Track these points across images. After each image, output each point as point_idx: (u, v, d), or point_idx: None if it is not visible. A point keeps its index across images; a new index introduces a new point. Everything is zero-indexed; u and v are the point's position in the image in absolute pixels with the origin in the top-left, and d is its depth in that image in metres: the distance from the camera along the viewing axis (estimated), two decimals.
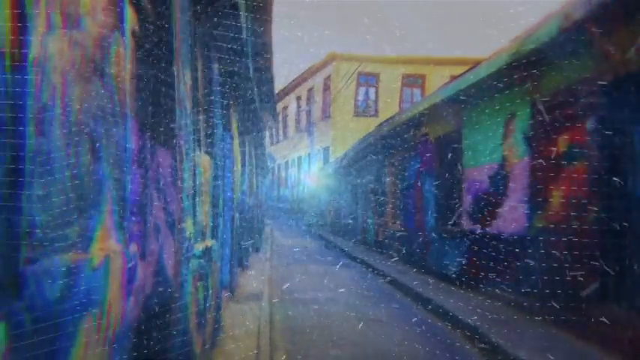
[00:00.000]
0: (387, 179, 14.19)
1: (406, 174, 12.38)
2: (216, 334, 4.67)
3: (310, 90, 27.86)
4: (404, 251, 12.03)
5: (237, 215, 8.03)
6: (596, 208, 5.34)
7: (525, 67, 6.41)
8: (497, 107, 7.58)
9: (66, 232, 1.49)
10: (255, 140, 13.40)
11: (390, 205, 13.82)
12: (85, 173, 1.65)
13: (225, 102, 6.00)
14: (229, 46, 5.43)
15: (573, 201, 5.71)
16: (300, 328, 5.83)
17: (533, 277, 6.34)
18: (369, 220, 16.13)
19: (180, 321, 3.16)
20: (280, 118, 30.75)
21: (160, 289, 2.74)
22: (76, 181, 1.57)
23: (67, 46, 1.56)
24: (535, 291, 6.28)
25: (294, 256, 13.65)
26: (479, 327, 5.68)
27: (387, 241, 13.87)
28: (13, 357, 1.22)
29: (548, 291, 5.99)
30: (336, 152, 23.20)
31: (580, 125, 5.69)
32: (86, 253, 1.63)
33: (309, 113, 28.29)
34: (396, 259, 12.28)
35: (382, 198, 14.64)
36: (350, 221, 19.00)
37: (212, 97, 5.05)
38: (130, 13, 2.31)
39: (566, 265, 5.65)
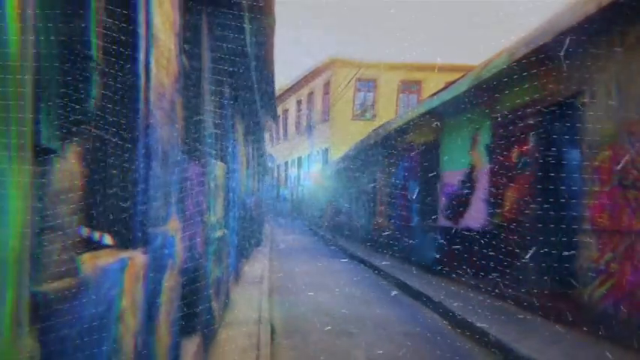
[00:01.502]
0: (379, 181, 15.57)
1: (395, 176, 13.78)
2: (227, 300, 6.04)
3: (310, 93, 29.19)
4: (393, 246, 13.40)
5: (241, 212, 9.40)
6: (537, 206, 6.70)
7: (484, 91, 7.79)
8: (467, 122, 8.94)
9: (161, 214, 2.84)
10: (256, 144, 14.75)
11: (381, 205, 15.20)
12: (166, 182, 3.00)
13: (233, 115, 7.35)
14: (236, 59, 6.75)
15: (521, 201, 7.07)
16: (293, 309, 7.18)
17: (490, 264, 7.71)
18: (363, 219, 17.49)
19: (206, 284, 4.51)
20: (281, 119, 32.09)
21: (196, 257, 4.09)
22: (162, 185, 2.92)
23: (165, 74, 2.89)
24: (490, 274, 7.66)
25: (292, 251, 15.01)
26: (442, 300, 7.05)
27: (378, 237, 15.23)
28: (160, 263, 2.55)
29: (498, 273, 7.38)
30: (336, 153, 24.46)
31: (525, 140, 7.04)
32: (167, 226, 2.98)
33: (309, 115, 29.60)
34: (385, 253, 13.65)
35: (374, 198, 16.03)
36: (346, 220, 20.37)
37: (223, 112, 6.40)
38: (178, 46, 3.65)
39: (514, 252, 7.02)
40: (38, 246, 1.27)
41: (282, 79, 33.57)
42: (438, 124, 10.29)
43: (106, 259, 1.92)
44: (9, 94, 1.13)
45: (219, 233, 5.68)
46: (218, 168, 5.85)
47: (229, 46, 5.91)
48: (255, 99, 9.07)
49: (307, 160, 29.54)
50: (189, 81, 4.07)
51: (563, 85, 6.15)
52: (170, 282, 2.94)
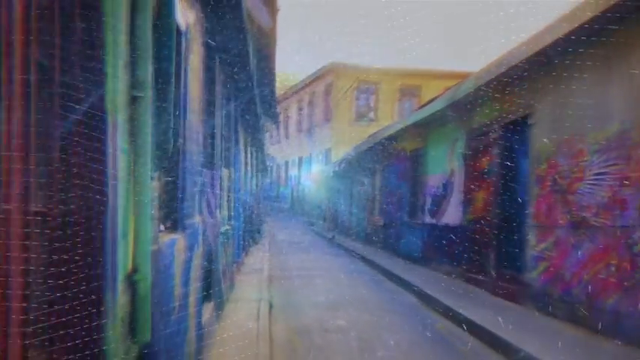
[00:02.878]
0: (373, 182, 16.90)
1: (387, 179, 15.12)
2: (231, 284, 7.34)
3: (312, 95, 30.46)
4: (385, 241, 14.74)
5: (243, 210, 10.72)
6: (497, 206, 7.98)
7: (459, 109, 9.09)
8: (446, 133, 10.24)
9: (191, 211, 4.12)
10: (257, 147, 16.05)
11: (375, 204, 16.52)
12: (194, 189, 4.28)
13: (237, 128, 8.64)
14: (241, 82, 8.04)
15: (487, 201, 8.35)
16: (289, 292, 8.46)
17: (462, 254, 9.02)
18: (359, 217, 18.81)
19: (217, 265, 5.80)
20: (282, 119, 33.33)
21: (211, 243, 5.38)
22: (192, 191, 4.20)
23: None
24: (461, 263, 8.98)
25: (291, 244, 16.32)
26: (419, 284, 8.37)
27: (372, 233, 16.55)
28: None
29: (468, 262, 8.69)
30: (337, 154, 25.60)
31: (490, 150, 8.32)
32: (195, 218, 4.27)
33: (310, 117, 30.86)
34: (377, 247, 14.96)
35: (369, 198, 17.35)
36: (343, 218, 21.70)
37: (230, 127, 7.69)
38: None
39: (480, 244, 8.32)
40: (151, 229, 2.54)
41: (281, 80, 34.76)
42: (424, 134, 11.60)
43: (167, 237, 3.22)
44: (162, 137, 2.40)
45: (226, 227, 6.98)
46: (225, 174, 7.15)
47: (236, 72, 7.20)
48: (257, 111, 10.36)
49: (308, 161, 30.77)
50: (206, 109, 5.36)
51: (517, 107, 7.43)
52: (197, 256, 4.24)
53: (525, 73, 6.93)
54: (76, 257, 1.87)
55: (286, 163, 35.08)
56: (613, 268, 5.36)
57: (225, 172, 7.29)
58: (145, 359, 2.31)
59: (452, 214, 9.92)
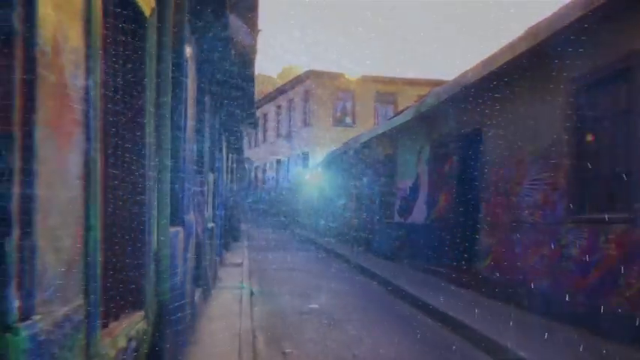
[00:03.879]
0: (349, 185, 17.90)
1: (362, 182, 16.15)
2: (215, 275, 8.22)
3: (291, 100, 31.37)
4: (359, 239, 15.76)
5: (224, 211, 11.60)
6: (456, 207, 9.03)
7: (424, 120, 10.15)
8: (414, 141, 11.30)
9: (187, 209, 5.00)
10: (236, 152, 16.92)
11: (350, 205, 17.53)
12: (189, 191, 5.17)
13: (220, 137, 9.53)
14: (224, 98, 8.95)
15: (447, 203, 9.40)
16: (267, 282, 9.36)
17: (426, 249, 10.07)
18: (335, 216, 19.82)
19: (204, 256, 6.69)
20: (261, 123, 34.13)
21: (200, 237, 6.26)
22: (188, 193, 5.08)
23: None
24: (425, 257, 10.02)
25: (268, 243, 17.22)
26: (387, 278, 9.36)
27: (347, 232, 17.56)
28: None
29: (431, 257, 9.73)
30: (316, 157, 26.47)
31: (450, 158, 9.38)
32: (190, 215, 5.15)
33: (289, 121, 31.74)
34: (352, 245, 15.97)
35: (345, 199, 18.36)
36: (320, 218, 22.68)
37: (214, 137, 8.58)
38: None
39: (441, 240, 9.36)
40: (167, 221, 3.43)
41: (264, 82, 35.55)
42: (395, 141, 12.66)
43: (173, 229, 4.12)
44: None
45: (211, 224, 7.86)
46: (210, 177, 8.04)
47: (220, 89, 8.11)
48: (237, 119, 11.27)
49: (287, 163, 31.63)
50: (198, 124, 6.26)
51: (472, 121, 8.49)
52: (191, 247, 5.13)
53: (475, 93, 7.99)
54: (127, 236, 2.78)
55: (264, 165, 35.87)
56: (544, 258, 6.42)
57: (211, 175, 8.18)
58: (163, 312, 3.21)
59: (418, 214, 10.96)
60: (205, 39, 5.54)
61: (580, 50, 5.81)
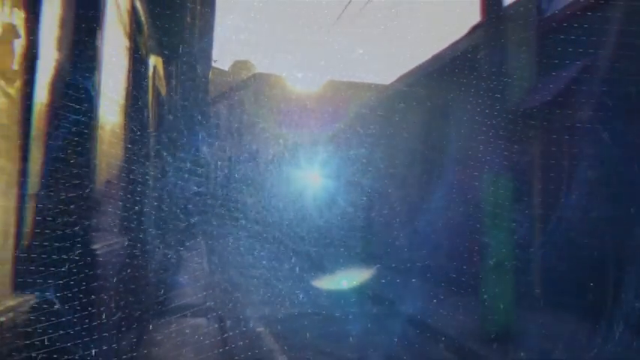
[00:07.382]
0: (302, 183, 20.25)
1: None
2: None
3: (241, 100, 33.38)
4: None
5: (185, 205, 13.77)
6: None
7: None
8: None
9: None
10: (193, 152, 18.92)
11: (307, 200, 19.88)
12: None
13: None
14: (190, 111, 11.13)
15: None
16: (224, 265, 11.57)
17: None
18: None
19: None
20: (212, 121, 35.76)
21: None
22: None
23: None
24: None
25: (226, 237, 19.31)
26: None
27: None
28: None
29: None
30: (265, 156, 28.42)
31: None
32: None
33: (240, 120, 33.67)
34: None
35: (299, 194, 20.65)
36: (276, 214, 24.84)
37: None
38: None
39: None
40: None
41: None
42: None
43: None
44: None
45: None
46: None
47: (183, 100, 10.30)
48: (196, 122, 13.44)
49: (237, 161, 33.53)
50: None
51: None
52: None
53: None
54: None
55: (217, 162, 37.58)
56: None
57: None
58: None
59: None
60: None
61: None
